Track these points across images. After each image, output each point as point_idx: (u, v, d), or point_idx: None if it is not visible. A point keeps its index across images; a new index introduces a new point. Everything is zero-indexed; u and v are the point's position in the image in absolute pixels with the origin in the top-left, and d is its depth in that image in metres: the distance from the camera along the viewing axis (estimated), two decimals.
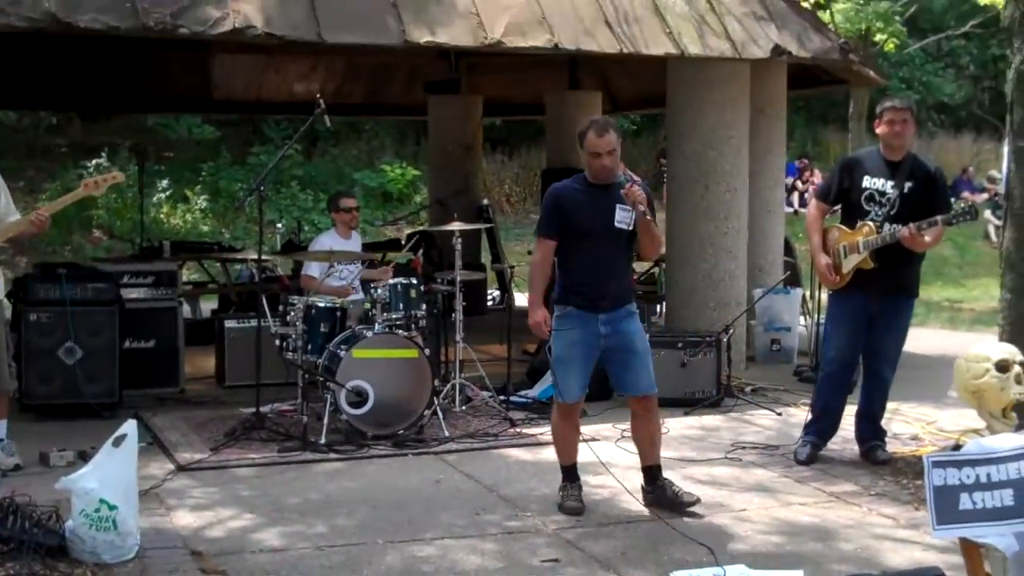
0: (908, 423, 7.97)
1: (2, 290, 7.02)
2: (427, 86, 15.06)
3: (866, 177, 6.74)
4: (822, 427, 7.00)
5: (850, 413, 7.03)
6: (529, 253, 13.93)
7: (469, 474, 6.71)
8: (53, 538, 5.04)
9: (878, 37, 16.28)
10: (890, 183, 6.65)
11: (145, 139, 23.76)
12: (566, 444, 6.05)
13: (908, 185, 6.63)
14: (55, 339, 7.98)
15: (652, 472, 6.02)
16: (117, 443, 5.24)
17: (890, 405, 7.72)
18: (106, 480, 5.09)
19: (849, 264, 6.73)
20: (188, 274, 15.94)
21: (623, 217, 5.74)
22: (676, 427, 7.92)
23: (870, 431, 6.94)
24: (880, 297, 6.70)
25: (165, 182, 22.40)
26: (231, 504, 6.04)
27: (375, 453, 7.15)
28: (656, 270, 12.39)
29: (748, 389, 9.05)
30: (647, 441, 6.02)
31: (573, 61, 14.10)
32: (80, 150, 23.81)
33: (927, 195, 6.62)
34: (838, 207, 6.95)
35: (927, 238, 6.52)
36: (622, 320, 5.82)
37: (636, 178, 5.96)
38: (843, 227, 6.83)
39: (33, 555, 4.90)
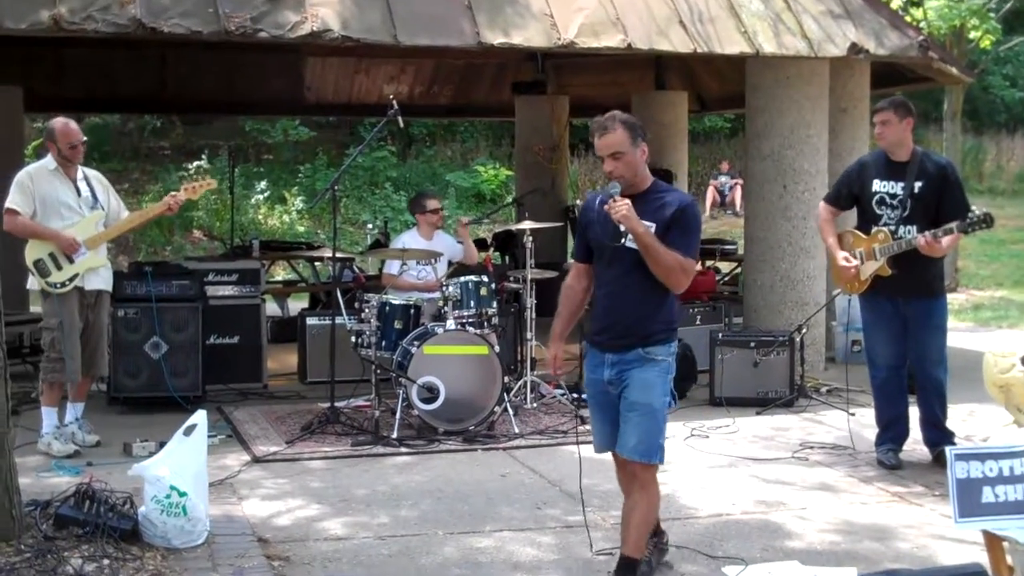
0: (983, 424, 7.86)
1: (110, 284, 7.43)
2: (514, 87, 15.21)
3: (875, 180, 6.69)
4: (894, 435, 6.96)
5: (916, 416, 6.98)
6: None
7: (535, 469, 6.81)
8: (127, 523, 5.25)
9: (972, 34, 15.95)
10: (899, 184, 6.59)
11: (244, 141, 24.33)
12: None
13: (918, 185, 6.56)
14: (142, 334, 8.27)
15: (622, 564, 4.76)
16: (188, 432, 5.46)
17: (966, 407, 7.68)
18: (177, 468, 5.31)
19: (867, 271, 6.68)
20: (283, 273, 16.31)
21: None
22: (746, 426, 7.94)
23: (936, 435, 6.84)
24: (907, 300, 6.65)
25: (263, 183, 22.88)
26: (300, 495, 6.23)
27: (445, 448, 7.30)
28: (739, 270, 12.37)
29: (824, 390, 9.01)
30: (624, 519, 4.85)
31: (659, 61, 14.14)
32: (182, 153, 24.48)
33: (939, 193, 6.54)
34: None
35: (944, 243, 6.41)
36: (631, 365, 4.70)
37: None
38: (858, 232, 6.80)
39: (107, 538, 5.13)
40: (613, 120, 4.68)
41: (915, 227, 6.50)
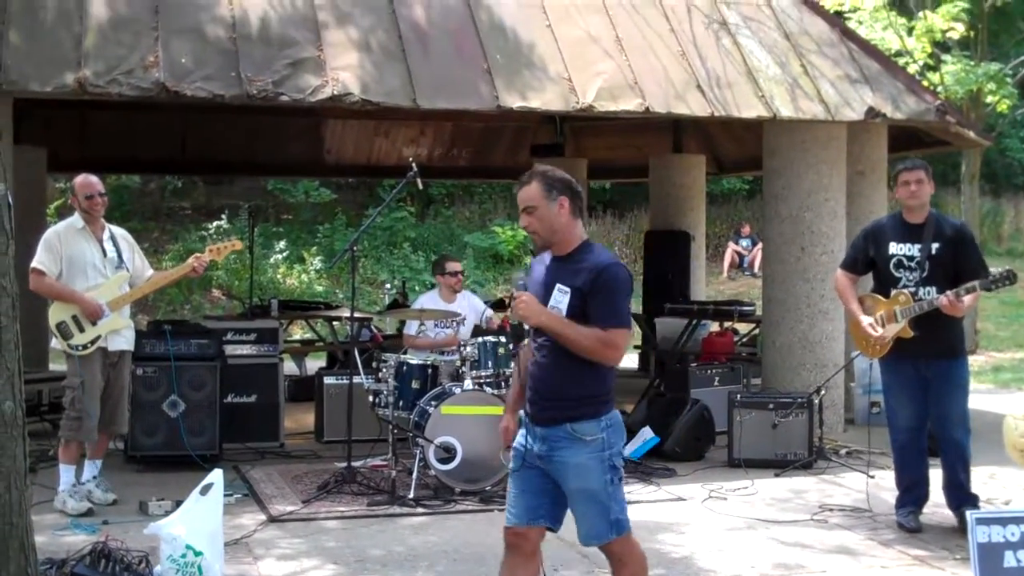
0: (1004, 487, 7.81)
1: (132, 344, 7.52)
2: (533, 149, 15.31)
3: (891, 244, 6.71)
4: (914, 497, 6.91)
5: (937, 479, 6.92)
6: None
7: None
8: None
9: (989, 98, 16.02)
10: (916, 246, 6.61)
11: (264, 201, 24.50)
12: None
13: (935, 246, 6.58)
14: (160, 393, 8.30)
15: None
16: (205, 491, 5.47)
17: (986, 469, 7.62)
18: (192, 527, 5.31)
19: (888, 334, 6.66)
20: (301, 333, 16.36)
21: (558, 300, 4.33)
22: (765, 488, 7.89)
23: (960, 498, 6.77)
24: (928, 362, 6.63)
25: (282, 243, 23.00)
26: (316, 555, 6.21)
27: (461, 508, 7.27)
28: (757, 331, 12.35)
29: (843, 451, 8.96)
30: None
31: (677, 124, 14.24)
32: (203, 212, 24.66)
33: (955, 254, 6.56)
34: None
35: (966, 302, 6.41)
36: (560, 444, 4.33)
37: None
38: (877, 296, 6.79)
39: None
40: (531, 174, 4.40)
41: (935, 288, 6.51)
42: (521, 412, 4.54)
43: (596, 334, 4.24)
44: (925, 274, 6.57)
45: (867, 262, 6.89)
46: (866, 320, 6.71)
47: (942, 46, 16.17)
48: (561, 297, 4.31)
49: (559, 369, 4.33)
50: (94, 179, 7.30)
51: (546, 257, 4.46)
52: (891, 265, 6.69)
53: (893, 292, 6.67)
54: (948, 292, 6.40)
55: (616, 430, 4.40)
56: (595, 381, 4.35)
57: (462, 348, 7.86)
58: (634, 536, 4.50)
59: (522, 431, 4.49)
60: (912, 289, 6.59)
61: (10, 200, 5.22)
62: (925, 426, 6.81)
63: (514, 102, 8.55)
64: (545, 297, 4.36)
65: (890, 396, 6.92)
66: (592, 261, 4.32)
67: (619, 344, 4.29)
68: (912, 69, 14.91)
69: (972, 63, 15.93)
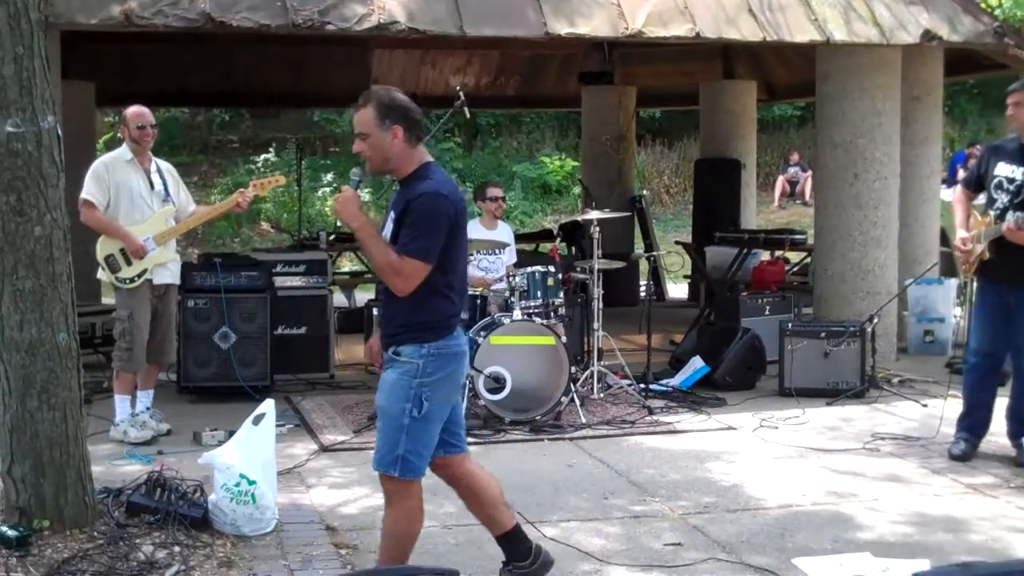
0: None
1: (178, 278, 7.59)
2: (581, 77, 15.17)
3: (1000, 164, 6.53)
4: (973, 422, 6.81)
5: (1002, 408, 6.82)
6: (676, 243, 14.01)
7: (602, 459, 6.78)
8: (197, 510, 5.31)
9: None
10: (1021, 169, 6.42)
11: (312, 134, 24.49)
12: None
13: None
14: (211, 325, 8.35)
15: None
16: (257, 421, 5.50)
17: None
18: (246, 456, 5.35)
19: (975, 253, 6.56)
20: (350, 265, 16.41)
21: (387, 226, 4.32)
22: (816, 417, 7.85)
23: (1017, 429, 6.67)
24: (1011, 288, 6.48)
25: (330, 176, 23.03)
26: (367, 483, 6.23)
27: (511, 438, 7.29)
28: (808, 260, 12.24)
29: (895, 380, 8.89)
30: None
31: (727, 50, 14.02)
32: (250, 145, 24.71)
33: None
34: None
35: None
36: (387, 366, 4.34)
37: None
38: (976, 215, 6.68)
39: (178, 526, 5.18)
40: (366, 98, 4.25)
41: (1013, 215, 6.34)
42: None
43: (388, 256, 4.15)
44: (1019, 198, 6.37)
45: (979, 180, 6.74)
46: (960, 234, 6.63)
47: None
48: (388, 224, 4.29)
49: (388, 293, 4.27)
50: (146, 110, 7.30)
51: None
52: (993, 185, 6.54)
53: (987, 213, 6.55)
54: (1012, 217, 6.26)
55: (440, 363, 4.25)
56: (418, 308, 4.22)
57: (511, 279, 7.83)
58: (419, 495, 4.38)
59: None
60: (1000, 211, 6.42)
61: (60, 134, 5.24)
62: (1000, 353, 6.67)
63: (562, 28, 8.42)
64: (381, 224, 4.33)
65: (975, 317, 6.82)
66: (416, 189, 4.21)
67: (406, 273, 4.15)
68: None
69: None
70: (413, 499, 4.37)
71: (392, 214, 4.29)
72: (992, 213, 6.48)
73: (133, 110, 7.27)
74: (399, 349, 4.25)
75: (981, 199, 6.79)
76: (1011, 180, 6.45)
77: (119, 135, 7.42)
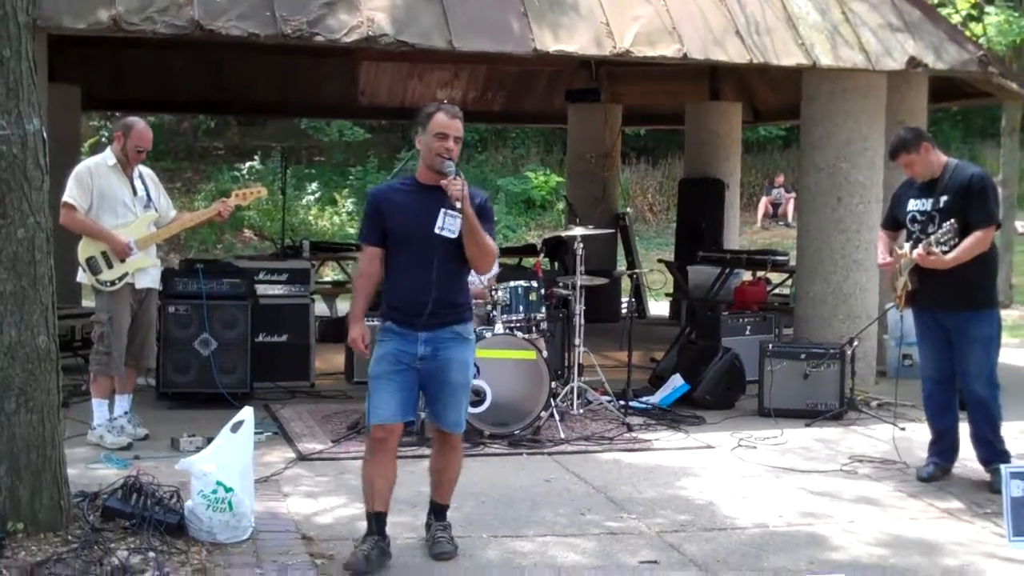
0: None
1: (158, 283, 7.59)
2: (567, 94, 15.21)
3: (911, 200, 6.74)
4: (941, 448, 6.88)
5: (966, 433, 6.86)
6: (659, 261, 14.07)
7: (580, 475, 6.79)
8: (173, 516, 5.28)
9: None
10: (929, 200, 6.61)
11: (297, 143, 24.49)
12: (373, 485, 5.20)
13: (944, 199, 6.53)
14: (192, 331, 8.35)
15: (433, 508, 5.46)
16: (235, 429, 5.49)
17: (1020, 424, 7.57)
18: (223, 463, 5.34)
19: (899, 286, 6.74)
20: (332, 274, 16.41)
21: (447, 224, 5.04)
22: (795, 438, 7.87)
23: (987, 453, 6.70)
24: (945, 313, 6.61)
25: (314, 185, 23.02)
26: (344, 493, 6.24)
27: (490, 451, 7.29)
28: (789, 281, 12.28)
29: (874, 403, 8.91)
30: (436, 475, 5.45)
31: (714, 71, 14.08)
32: (235, 153, 24.71)
33: (963, 205, 6.46)
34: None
35: (948, 257, 6.33)
36: (444, 343, 5.12)
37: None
38: (897, 249, 6.85)
39: (153, 531, 5.14)
40: (457, 111, 5.18)
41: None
42: (387, 323, 5.14)
43: (492, 241, 5.22)
44: (935, 227, 6.51)
45: (895, 219, 6.94)
46: (879, 253, 6.88)
47: None
48: (450, 221, 5.02)
49: (449, 277, 5.11)
50: (150, 135, 7.32)
51: (395, 185, 5.33)
52: (907, 220, 6.74)
53: (905, 246, 6.71)
54: (921, 245, 6.43)
55: None
56: (466, 291, 5.34)
57: (493, 292, 7.84)
58: None
59: (389, 339, 5.11)
60: (915, 242, 6.57)
61: (45, 137, 5.24)
62: (951, 378, 6.76)
63: (550, 45, 8.45)
64: (432, 218, 5.02)
65: (919, 346, 6.97)
66: (476, 195, 5.17)
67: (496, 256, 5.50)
68: (955, 20, 14.66)
69: (1016, 14, 15.67)
70: None
71: (450, 213, 5.02)
72: (907, 244, 6.66)
73: (140, 129, 7.22)
74: (466, 327, 5.21)
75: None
76: (923, 212, 6.64)
77: (103, 139, 7.39)
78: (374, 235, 5.19)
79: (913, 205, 6.71)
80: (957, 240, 6.36)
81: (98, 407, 7.23)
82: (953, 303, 6.55)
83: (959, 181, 6.54)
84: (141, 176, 7.37)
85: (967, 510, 6.20)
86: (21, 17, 5.06)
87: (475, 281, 8.47)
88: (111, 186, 7.19)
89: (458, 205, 4.96)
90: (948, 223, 6.34)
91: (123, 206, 7.22)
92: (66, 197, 7.07)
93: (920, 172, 6.65)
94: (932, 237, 6.38)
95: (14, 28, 5.03)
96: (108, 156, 7.25)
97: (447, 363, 5.10)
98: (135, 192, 7.28)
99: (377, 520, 5.16)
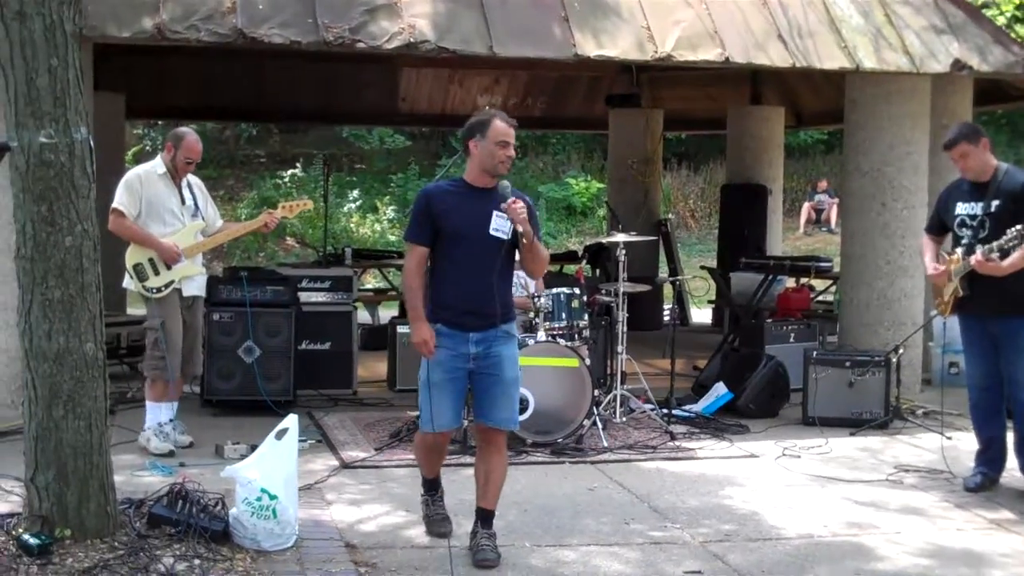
0: None
1: (204, 291, 7.65)
2: (608, 99, 15.17)
3: (959, 203, 6.64)
4: (988, 458, 6.80)
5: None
6: (702, 267, 13.98)
7: (623, 484, 6.76)
8: (218, 524, 5.31)
9: None
10: (979, 205, 6.51)
11: (338, 150, 24.58)
12: (429, 460, 5.66)
13: (995, 204, 6.45)
14: (236, 338, 8.39)
15: (480, 515, 5.43)
16: (280, 436, 5.51)
17: None
18: (268, 471, 5.35)
19: (947, 292, 6.63)
20: (374, 282, 16.45)
21: (500, 225, 5.20)
22: (839, 447, 7.80)
23: None
24: (993, 320, 6.52)
25: (356, 192, 23.10)
26: (387, 501, 6.25)
27: (532, 460, 7.27)
28: (833, 288, 12.19)
29: (920, 412, 8.83)
30: (482, 478, 5.44)
31: (756, 75, 14.01)
32: (277, 160, 24.84)
33: (1016, 210, 6.35)
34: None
35: (1004, 263, 6.24)
36: (496, 341, 5.28)
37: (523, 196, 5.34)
38: (948, 256, 6.73)
39: (198, 539, 5.18)
40: (512, 120, 5.30)
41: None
42: (436, 324, 5.22)
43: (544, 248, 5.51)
44: (985, 232, 6.44)
45: (941, 224, 6.85)
46: (928, 262, 6.76)
47: None
48: (501, 223, 5.18)
49: (503, 280, 5.28)
50: (200, 147, 7.39)
51: (445, 186, 5.39)
52: (955, 224, 6.65)
53: (955, 252, 6.61)
54: (979, 251, 6.32)
55: None
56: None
57: (536, 300, 7.83)
58: None
59: (438, 343, 5.20)
60: (967, 247, 6.49)
61: (92, 145, 5.28)
62: (997, 385, 6.66)
63: (591, 51, 8.44)
64: (485, 220, 5.19)
65: (965, 354, 6.88)
66: (520, 195, 5.26)
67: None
68: (1000, 21, 14.52)
69: None
70: None
71: (499, 215, 5.18)
72: (959, 251, 6.55)
73: (191, 141, 7.30)
74: (513, 325, 5.39)
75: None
76: (972, 216, 6.54)
77: (147, 148, 7.47)
78: (425, 235, 5.26)
79: (962, 209, 6.62)
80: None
81: (152, 410, 7.29)
82: (1004, 310, 6.46)
83: (1012, 186, 6.45)
84: (190, 185, 7.44)
85: (1015, 521, 6.12)
86: (68, 26, 5.11)
87: (519, 290, 8.48)
88: (160, 194, 7.25)
89: (520, 229, 5.11)
90: (1015, 228, 6.19)
91: (171, 215, 7.29)
92: (116, 203, 7.15)
93: (973, 167, 6.54)
94: (995, 243, 6.27)
95: (61, 37, 5.08)
96: (158, 165, 7.32)
97: (500, 359, 5.25)
98: (183, 201, 7.35)
99: (438, 481, 5.75)
